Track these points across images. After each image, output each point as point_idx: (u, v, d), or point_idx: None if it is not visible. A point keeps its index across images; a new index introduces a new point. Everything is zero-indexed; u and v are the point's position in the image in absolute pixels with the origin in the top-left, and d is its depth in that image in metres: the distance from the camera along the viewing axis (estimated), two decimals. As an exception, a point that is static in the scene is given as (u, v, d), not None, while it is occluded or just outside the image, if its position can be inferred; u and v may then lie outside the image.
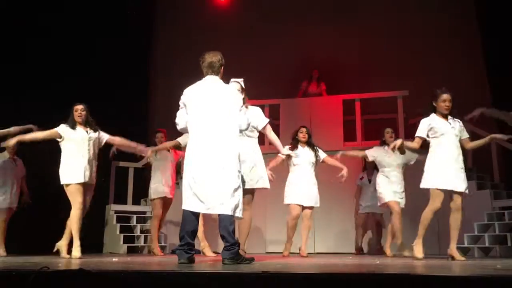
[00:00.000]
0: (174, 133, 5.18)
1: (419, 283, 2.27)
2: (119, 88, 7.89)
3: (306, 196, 5.79)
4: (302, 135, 5.98)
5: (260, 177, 4.57)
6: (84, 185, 5.04)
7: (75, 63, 7.45)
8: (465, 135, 4.80)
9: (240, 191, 3.82)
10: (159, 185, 6.44)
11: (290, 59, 9.08)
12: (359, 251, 6.96)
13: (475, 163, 7.19)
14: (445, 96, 4.72)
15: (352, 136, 7.84)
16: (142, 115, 8.79)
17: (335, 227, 7.36)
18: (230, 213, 3.73)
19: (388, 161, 6.00)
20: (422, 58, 8.51)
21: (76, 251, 4.87)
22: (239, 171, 3.85)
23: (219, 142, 3.78)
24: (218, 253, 5.53)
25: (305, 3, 9.31)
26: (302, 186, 5.80)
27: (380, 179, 6.03)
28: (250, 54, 8.98)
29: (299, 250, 5.87)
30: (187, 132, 3.98)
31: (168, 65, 9.15)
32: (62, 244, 5.06)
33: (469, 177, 6.87)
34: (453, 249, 4.61)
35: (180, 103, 3.97)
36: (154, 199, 6.44)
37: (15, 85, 6.94)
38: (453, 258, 4.59)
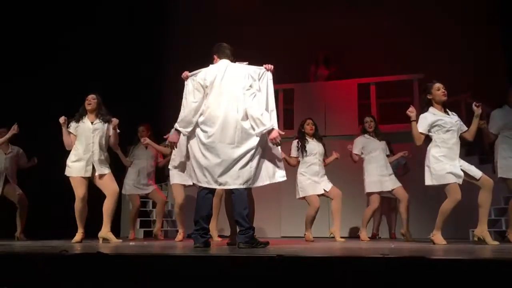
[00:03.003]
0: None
1: (434, 267, 2.27)
2: (132, 77, 7.95)
3: (322, 184, 5.85)
4: (310, 128, 5.95)
5: None
6: (90, 177, 4.99)
7: (83, 57, 7.50)
8: (464, 128, 4.76)
9: (253, 163, 3.85)
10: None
11: (303, 43, 8.98)
12: (374, 235, 6.96)
13: (492, 146, 7.09)
14: (438, 84, 4.73)
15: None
16: (155, 102, 8.84)
17: (348, 211, 7.33)
18: (238, 186, 3.80)
19: (374, 145, 6.03)
20: (438, 40, 8.37)
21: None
22: (253, 148, 3.85)
23: (229, 122, 3.83)
24: (226, 236, 5.58)
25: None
26: (315, 178, 5.84)
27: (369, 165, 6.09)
28: (263, 39, 8.92)
29: (331, 234, 5.89)
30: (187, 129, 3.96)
31: (182, 54, 9.14)
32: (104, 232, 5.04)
33: (486, 161, 6.82)
34: (484, 231, 4.59)
35: (197, 84, 3.97)
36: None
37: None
38: (479, 240, 4.59)
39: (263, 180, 3.99)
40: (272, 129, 3.84)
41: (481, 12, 8.07)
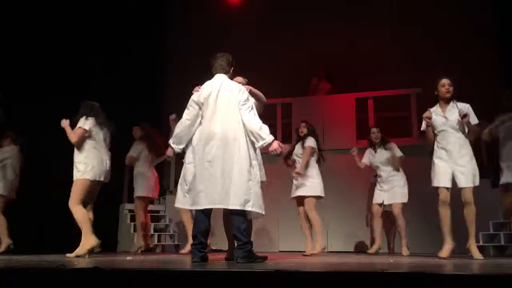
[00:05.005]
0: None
1: (433, 282, 2.25)
2: (133, 78, 7.99)
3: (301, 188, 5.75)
4: (300, 130, 5.93)
5: None
6: (99, 182, 4.95)
7: (85, 57, 7.54)
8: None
9: (252, 184, 3.78)
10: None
11: (302, 57, 9.04)
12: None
13: (490, 161, 7.10)
14: (444, 80, 4.75)
15: (365, 134, 7.79)
16: (157, 98, 8.87)
17: (347, 226, 7.33)
18: (239, 207, 3.73)
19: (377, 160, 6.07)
20: (437, 54, 8.41)
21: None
22: (251, 165, 3.82)
23: (227, 139, 3.80)
24: (224, 250, 5.54)
25: (318, 0, 9.28)
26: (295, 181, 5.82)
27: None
28: (261, 52, 8.96)
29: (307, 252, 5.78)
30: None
31: (183, 59, 9.19)
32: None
33: (484, 175, 6.80)
34: (471, 245, 4.55)
35: (191, 101, 3.97)
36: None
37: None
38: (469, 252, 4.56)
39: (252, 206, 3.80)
40: (272, 142, 3.81)
41: (480, 27, 8.14)
